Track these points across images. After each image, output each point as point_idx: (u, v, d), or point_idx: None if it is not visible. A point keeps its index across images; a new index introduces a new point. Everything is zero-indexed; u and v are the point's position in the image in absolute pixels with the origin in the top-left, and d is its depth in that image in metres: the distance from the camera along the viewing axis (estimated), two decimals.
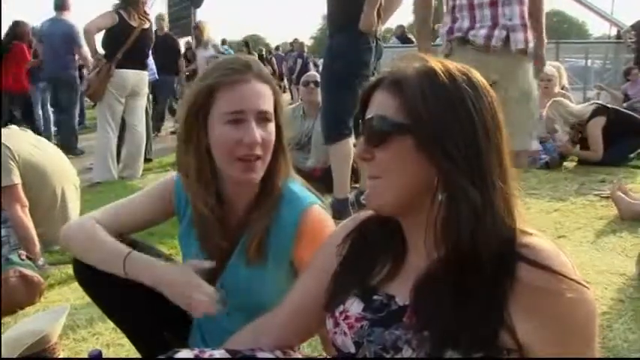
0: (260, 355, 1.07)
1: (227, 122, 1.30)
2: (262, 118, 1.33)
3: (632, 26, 9.89)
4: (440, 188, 0.94)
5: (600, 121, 4.96)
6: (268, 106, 1.34)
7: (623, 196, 3.53)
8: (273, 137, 1.35)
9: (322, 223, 1.37)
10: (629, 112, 6.15)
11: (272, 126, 1.35)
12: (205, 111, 1.33)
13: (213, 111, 1.32)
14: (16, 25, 7.60)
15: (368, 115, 1.00)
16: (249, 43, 14.82)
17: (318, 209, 1.39)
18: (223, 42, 12.75)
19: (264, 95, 1.34)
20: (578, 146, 5.22)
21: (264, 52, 16.32)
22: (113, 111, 5.43)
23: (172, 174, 1.54)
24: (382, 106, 0.98)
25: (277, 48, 17.91)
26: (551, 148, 5.21)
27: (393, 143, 0.96)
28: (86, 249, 1.45)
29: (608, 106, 5.30)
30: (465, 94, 0.94)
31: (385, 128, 0.96)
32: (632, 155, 5.17)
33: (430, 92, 0.94)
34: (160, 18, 8.51)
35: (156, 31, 7.09)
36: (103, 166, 5.39)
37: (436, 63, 0.97)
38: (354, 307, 1.02)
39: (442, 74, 0.95)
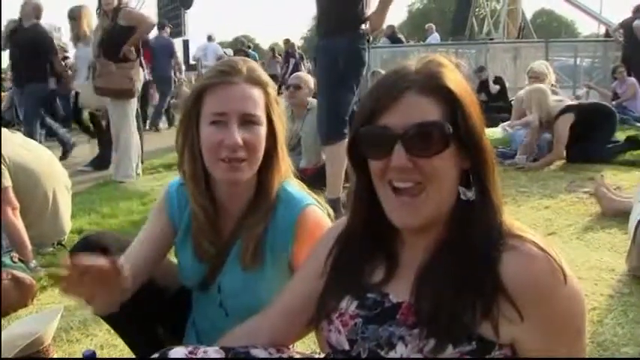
0: (253, 352, 1.07)
1: (211, 123, 1.30)
2: (247, 120, 1.30)
3: (621, 24, 9.97)
4: (470, 185, 0.97)
5: (569, 117, 4.86)
6: (256, 109, 1.32)
7: (605, 191, 3.54)
8: (260, 140, 1.32)
9: (320, 224, 1.35)
10: (595, 102, 6.17)
11: (260, 129, 1.32)
12: (197, 112, 1.33)
13: (203, 112, 1.32)
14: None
15: (412, 121, 0.92)
16: (274, 49, 14.85)
17: (316, 210, 1.38)
18: (272, 49, 12.51)
19: (250, 98, 1.31)
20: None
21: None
22: (134, 111, 5.38)
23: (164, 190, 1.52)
24: (427, 111, 0.93)
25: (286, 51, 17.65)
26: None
27: (447, 149, 0.94)
28: None
29: (575, 103, 5.15)
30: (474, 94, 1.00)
31: (442, 135, 0.93)
32: (611, 146, 5.11)
33: (468, 94, 0.97)
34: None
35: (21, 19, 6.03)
36: (130, 166, 5.33)
37: (449, 62, 1.00)
38: (348, 305, 1.02)
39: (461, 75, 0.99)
